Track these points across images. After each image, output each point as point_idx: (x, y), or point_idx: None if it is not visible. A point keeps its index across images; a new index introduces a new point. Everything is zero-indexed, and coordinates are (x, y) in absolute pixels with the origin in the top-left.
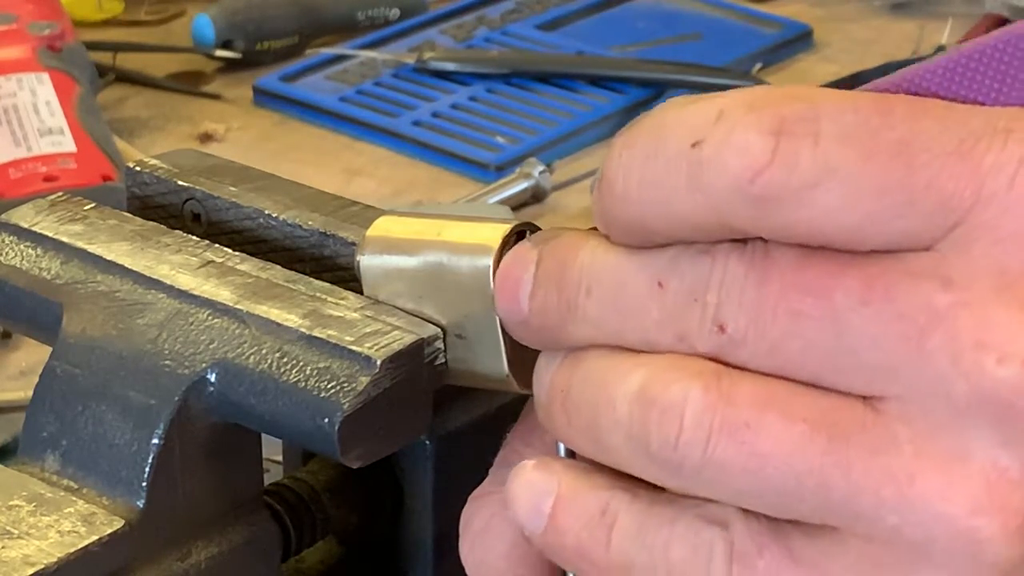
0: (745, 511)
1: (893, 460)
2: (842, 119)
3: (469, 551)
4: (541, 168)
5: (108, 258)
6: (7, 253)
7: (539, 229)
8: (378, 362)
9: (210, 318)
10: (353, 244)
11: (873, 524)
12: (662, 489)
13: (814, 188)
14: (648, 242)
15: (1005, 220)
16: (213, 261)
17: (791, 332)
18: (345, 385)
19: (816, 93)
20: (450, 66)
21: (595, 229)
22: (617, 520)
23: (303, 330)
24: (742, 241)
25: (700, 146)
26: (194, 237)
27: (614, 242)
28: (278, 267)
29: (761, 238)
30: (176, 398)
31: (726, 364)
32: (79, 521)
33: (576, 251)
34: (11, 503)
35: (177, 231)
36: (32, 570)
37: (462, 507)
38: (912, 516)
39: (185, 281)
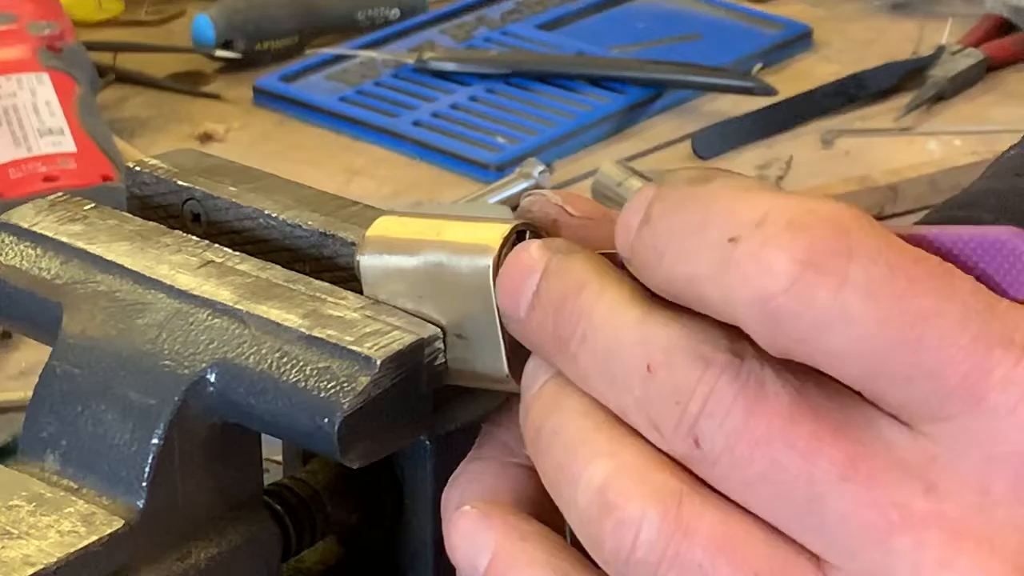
0: None
1: None
2: (872, 270)
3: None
4: (541, 168)
5: (108, 258)
6: (7, 253)
7: (539, 230)
8: (378, 362)
9: (210, 318)
10: (353, 244)
11: None
12: (601, 572)
13: (824, 330)
14: (665, 296)
15: (1002, 439)
16: (213, 261)
17: (766, 478)
18: (345, 385)
19: (858, 227)
20: (450, 66)
21: (606, 257)
22: None
23: (303, 330)
24: (740, 353)
25: (735, 245)
26: (194, 237)
27: (630, 286)
28: (278, 267)
29: (760, 360)
30: (176, 398)
31: (693, 473)
32: (79, 521)
33: (581, 291)
34: (11, 503)
35: (177, 231)
36: (32, 570)
37: None
38: None
39: (185, 281)
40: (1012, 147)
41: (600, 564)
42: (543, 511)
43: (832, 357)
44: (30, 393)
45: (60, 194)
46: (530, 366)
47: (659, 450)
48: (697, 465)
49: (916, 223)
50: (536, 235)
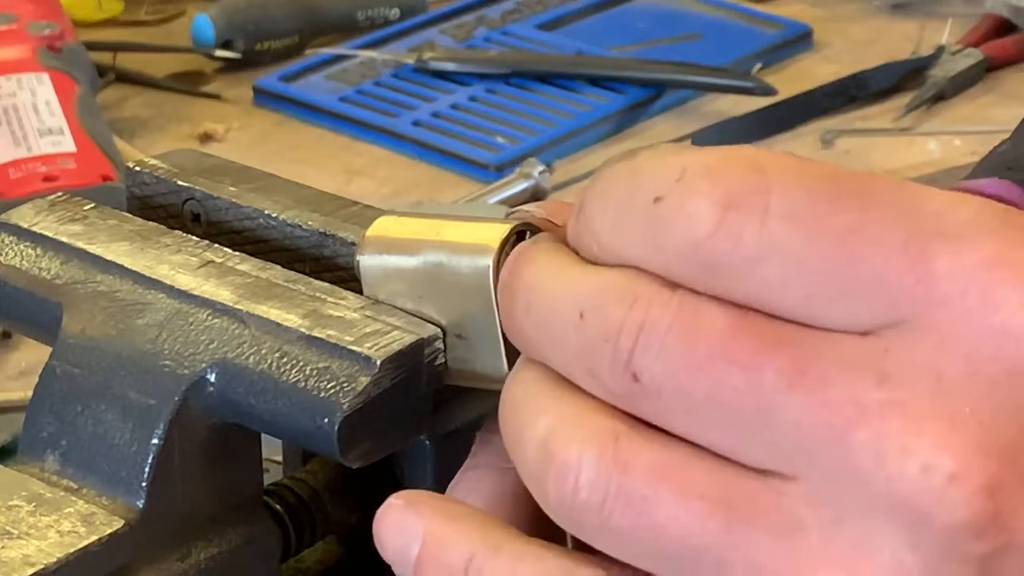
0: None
1: (798, 544)
2: (791, 198)
3: None
4: (541, 168)
5: (108, 258)
6: (7, 253)
7: (539, 229)
8: (378, 362)
9: (210, 318)
10: (353, 244)
11: None
12: (535, 542)
13: (756, 264)
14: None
15: (954, 327)
16: (213, 261)
17: (711, 400)
18: (345, 385)
19: (773, 163)
20: (450, 66)
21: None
22: (481, 575)
23: (303, 330)
24: (670, 287)
25: (660, 203)
26: (194, 237)
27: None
28: (278, 267)
29: (694, 293)
30: (176, 398)
31: (634, 415)
32: (79, 521)
33: (525, 265)
34: (11, 503)
35: (177, 231)
36: (32, 570)
37: None
38: None
39: (185, 281)
40: (1003, 142)
41: (553, 517)
42: (543, 515)
43: (770, 289)
44: (30, 393)
45: (60, 194)
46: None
47: (600, 400)
48: (639, 402)
49: None
50: (536, 235)
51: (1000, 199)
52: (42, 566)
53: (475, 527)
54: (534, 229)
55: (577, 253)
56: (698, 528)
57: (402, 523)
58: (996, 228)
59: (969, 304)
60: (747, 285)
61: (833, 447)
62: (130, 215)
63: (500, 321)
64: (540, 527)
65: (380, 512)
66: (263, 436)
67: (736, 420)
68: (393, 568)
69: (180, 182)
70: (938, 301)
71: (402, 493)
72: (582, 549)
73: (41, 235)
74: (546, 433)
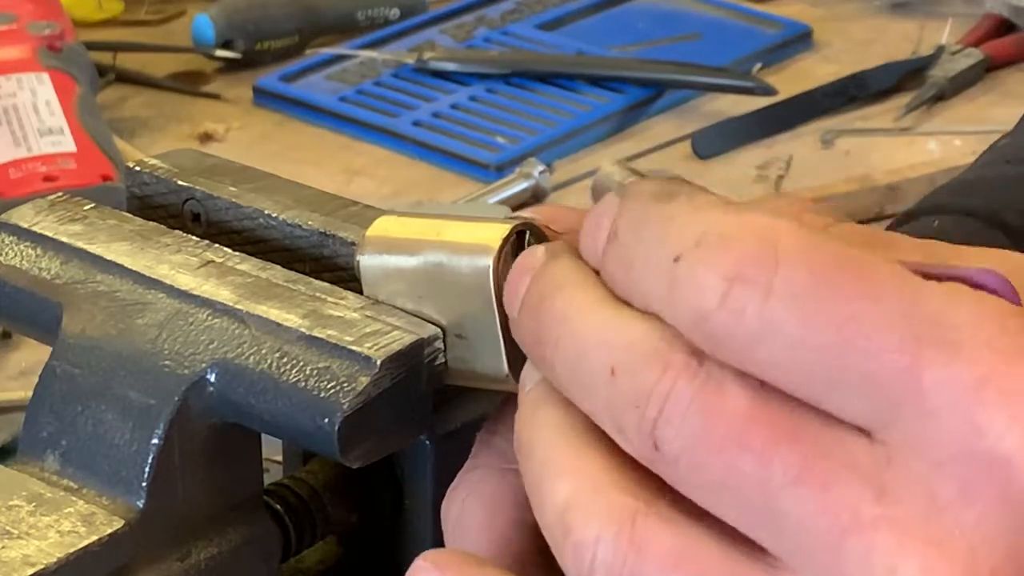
0: None
1: None
2: (795, 278)
3: (451, 541)
4: (541, 168)
5: (108, 258)
6: (7, 253)
7: (539, 229)
8: (378, 362)
9: (210, 318)
10: (353, 244)
11: None
12: None
13: (758, 341)
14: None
15: (945, 442)
16: (213, 261)
17: (722, 482)
18: (345, 385)
19: (786, 236)
20: (450, 66)
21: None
22: None
23: (303, 330)
24: (698, 357)
25: (678, 264)
26: (194, 237)
27: (605, 285)
28: (278, 267)
29: (721, 363)
30: (176, 398)
31: (656, 481)
32: (79, 521)
33: (557, 294)
34: (11, 503)
35: (177, 231)
36: (32, 570)
37: None
38: None
39: (185, 281)
40: (1004, 136)
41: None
42: None
43: (770, 368)
44: (30, 393)
45: (60, 194)
46: (526, 366)
47: (623, 460)
48: (660, 467)
49: (906, 210)
50: (537, 235)
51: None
52: (42, 566)
53: None
54: (534, 230)
55: (599, 274)
56: None
57: None
58: (991, 338)
59: (957, 424)
60: (750, 362)
61: (827, 551)
62: (130, 215)
63: (502, 322)
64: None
65: (412, 573)
66: (263, 436)
67: (744, 505)
68: None
69: (180, 182)
70: (930, 414)
71: (428, 555)
72: None
73: (41, 235)
74: (564, 502)
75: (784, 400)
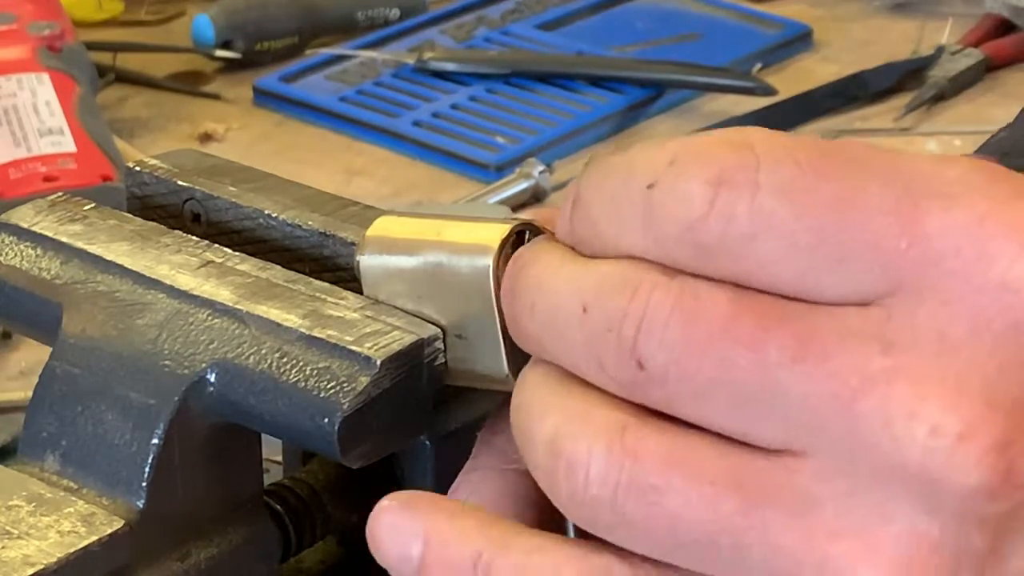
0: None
1: (814, 521)
2: (780, 171)
3: None
4: (541, 168)
5: (108, 258)
6: (7, 253)
7: (539, 229)
8: (378, 362)
9: (210, 318)
10: (353, 244)
11: None
12: (541, 534)
13: (750, 241)
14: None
15: (952, 284)
16: (213, 261)
17: (717, 380)
18: (345, 385)
19: (761, 140)
20: (450, 66)
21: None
22: (492, 572)
23: (303, 330)
24: (669, 273)
25: (653, 189)
26: (194, 237)
27: (578, 253)
28: (278, 267)
29: (693, 277)
30: (176, 398)
31: (642, 404)
32: (79, 521)
33: (526, 266)
34: (11, 503)
35: (177, 231)
36: (32, 570)
37: None
38: None
39: (185, 281)
40: (1002, 128)
41: (567, 515)
42: (545, 515)
43: (766, 266)
44: (30, 393)
45: (60, 194)
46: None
47: (607, 393)
48: (646, 390)
49: None
50: (536, 235)
51: None
52: (42, 566)
53: (477, 524)
54: (534, 230)
55: (574, 248)
56: (712, 513)
57: (400, 525)
58: (984, 185)
59: (965, 261)
60: (744, 263)
61: (840, 418)
62: (130, 215)
63: (501, 322)
64: (542, 529)
65: (374, 516)
66: (263, 436)
67: (743, 399)
68: (392, 573)
69: (180, 182)
70: (933, 261)
71: (394, 495)
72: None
73: (41, 235)
74: (553, 431)
75: (765, 296)
